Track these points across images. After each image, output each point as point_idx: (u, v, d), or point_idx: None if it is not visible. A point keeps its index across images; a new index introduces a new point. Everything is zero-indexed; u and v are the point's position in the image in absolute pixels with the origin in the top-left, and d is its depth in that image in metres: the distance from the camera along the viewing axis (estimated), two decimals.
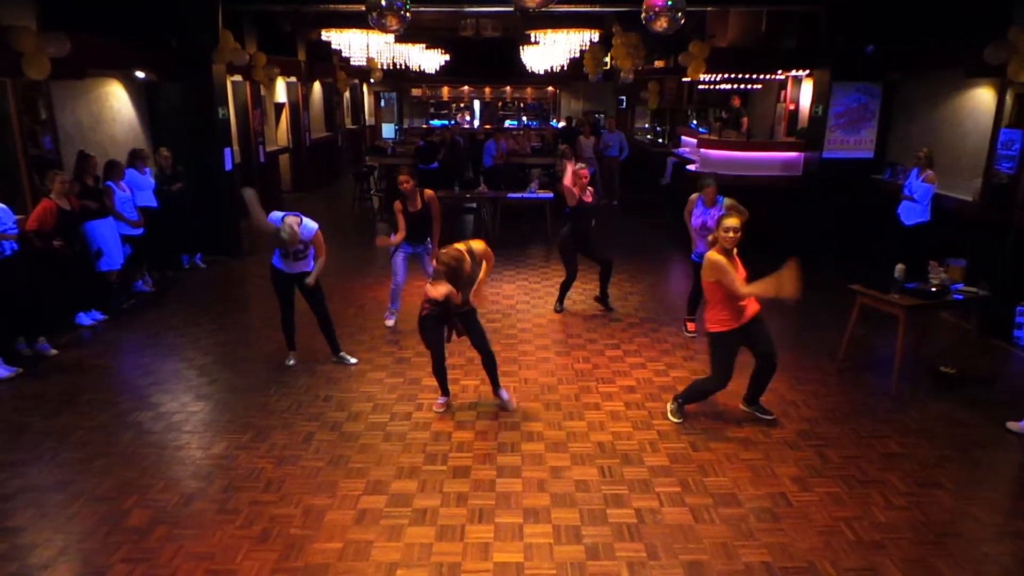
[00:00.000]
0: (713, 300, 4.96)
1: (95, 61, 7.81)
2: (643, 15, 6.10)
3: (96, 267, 7.37)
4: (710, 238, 5.05)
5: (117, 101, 8.94)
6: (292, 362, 6.22)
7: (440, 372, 5.32)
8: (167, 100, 9.60)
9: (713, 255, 4.83)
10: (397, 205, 6.79)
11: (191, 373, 6.10)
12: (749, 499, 4.23)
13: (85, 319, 7.22)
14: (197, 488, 4.35)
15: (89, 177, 7.52)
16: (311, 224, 5.84)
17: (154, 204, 8.53)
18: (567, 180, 7.24)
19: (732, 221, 4.78)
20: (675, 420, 5.17)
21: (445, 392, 5.41)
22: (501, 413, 5.31)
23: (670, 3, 6.08)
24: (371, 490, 4.34)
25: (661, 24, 6.22)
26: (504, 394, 5.39)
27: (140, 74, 8.94)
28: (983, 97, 7.89)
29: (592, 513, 4.10)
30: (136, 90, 9.31)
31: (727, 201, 5.93)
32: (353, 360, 6.25)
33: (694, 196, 6.67)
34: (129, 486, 4.37)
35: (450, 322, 5.21)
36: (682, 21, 6.21)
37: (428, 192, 6.80)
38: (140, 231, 8.03)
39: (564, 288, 7.75)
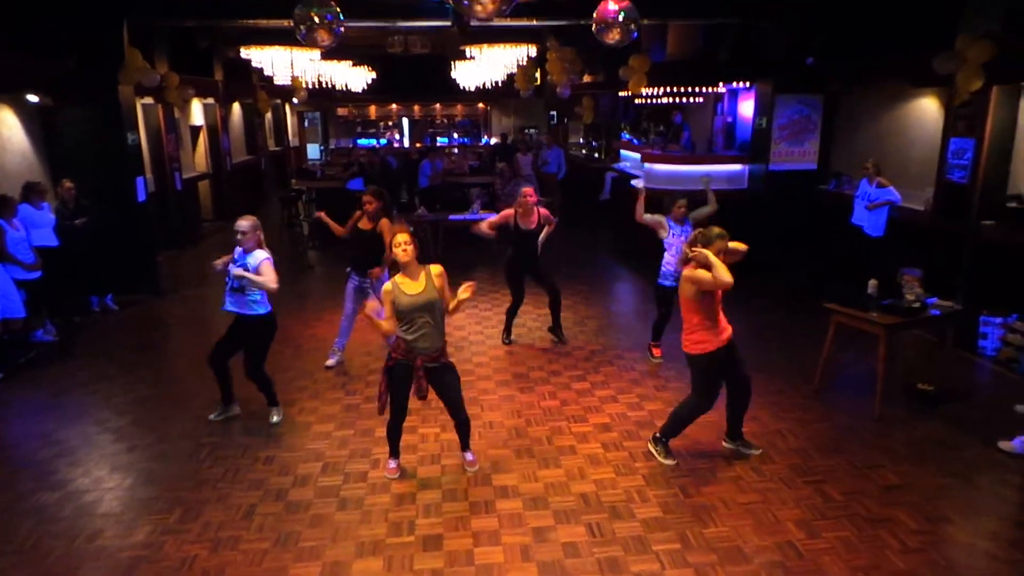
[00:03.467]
0: (691, 323, 4.60)
1: None
2: (594, 27, 5.73)
3: None
4: (686, 253, 4.64)
5: (7, 128, 7.97)
6: (215, 416, 5.52)
7: (395, 432, 4.64)
8: (68, 126, 8.63)
9: (688, 271, 4.52)
10: (384, 223, 6.16)
11: (104, 439, 5.29)
12: (756, 552, 3.83)
13: None
14: None
15: None
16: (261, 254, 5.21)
17: (54, 243, 7.59)
18: (484, 226, 6.94)
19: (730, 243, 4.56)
20: (667, 462, 4.74)
21: (395, 454, 4.73)
22: (468, 467, 4.76)
23: (623, 15, 5.75)
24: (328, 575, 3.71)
25: (613, 36, 5.86)
26: (470, 456, 4.77)
27: (33, 98, 7.99)
28: (929, 107, 7.91)
29: None
30: (28, 116, 8.33)
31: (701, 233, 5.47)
32: (275, 419, 5.50)
33: (661, 217, 6.35)
34: None
35: (417, 374, 4.40)
36: (635, 34, 5.90)
37: (383, 222, 6.19)
38: (37, 274, 7.09)
39: (510, 315, 7.24)
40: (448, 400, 4.55)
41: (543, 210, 6.93)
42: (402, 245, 4.29)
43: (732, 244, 4.59)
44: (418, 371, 4.36)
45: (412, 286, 4.33)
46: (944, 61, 6.67)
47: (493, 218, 7.00)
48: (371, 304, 4.46)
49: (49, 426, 5.51)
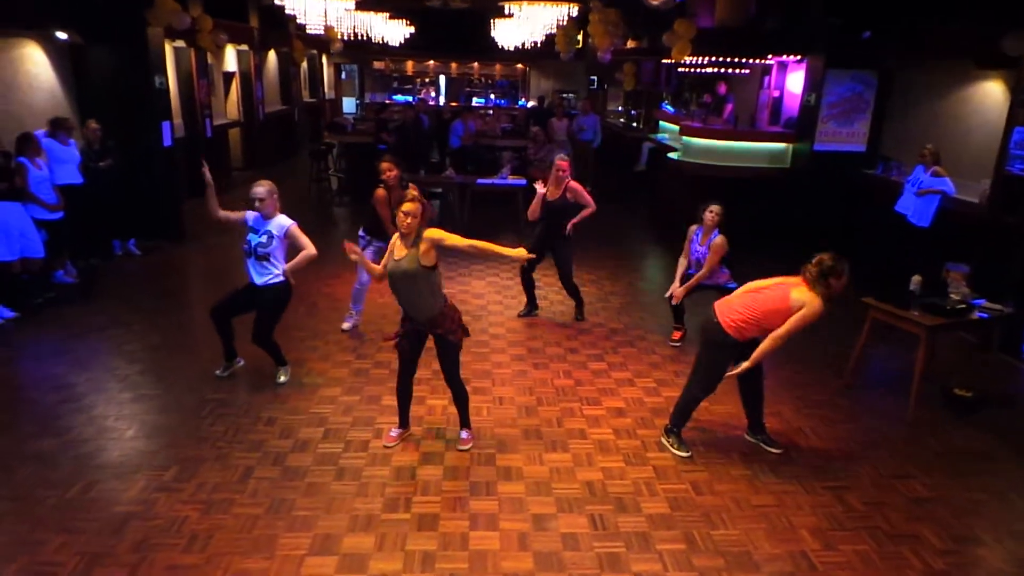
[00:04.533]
0: (753, 314, 4.25)
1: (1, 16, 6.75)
2: None
3: None
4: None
5: (34, 66, 7.86)
6: (220, 372, 5.44)
7: (401, 391, 4.52)
8: (96, 66, 8.52)
9: (816, 299, 4.12)
10: (380, 195, 5.81)
11: (112, 387, 5.24)
12: (766, 560, 3.61)
13: None
14: (102, 548, 3.54)
15: None
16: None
17: (79, 180, 7.53)
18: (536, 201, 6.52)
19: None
20: (683, 454, 4.52)
21: (403, 422, 4.61)
22: (474, 444, 4.59)
23: None
24: (318, 548, 3.59)
25: None
26: (464, 434, 4.59)
27: (62, 35, 7.85)
28: (992, 90, 7.37)
29: None
30: (58, 53, 8.22)
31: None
32: (282, 379, 5.39)
33: (693, 228, 5.99)
34: (17, 544, 3.54)
35: (397, 331, 4.41)
36: None
37: (380, 193, 5.86)
38: (59, 215, 7.04)
39: (527, 283, 6.84)
40: (443, 369, 4.43)
41: (575, 184, 6.57)
42: (408, 217, 4.07)
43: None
44: (401, 330, 4.36)
45: (400, 250, 4.17)
46: (1015, 40, 6.16)
47: (533, 205, 6.57)
48: (351, 245, 4.27)
49: (59, 370, 5.48)
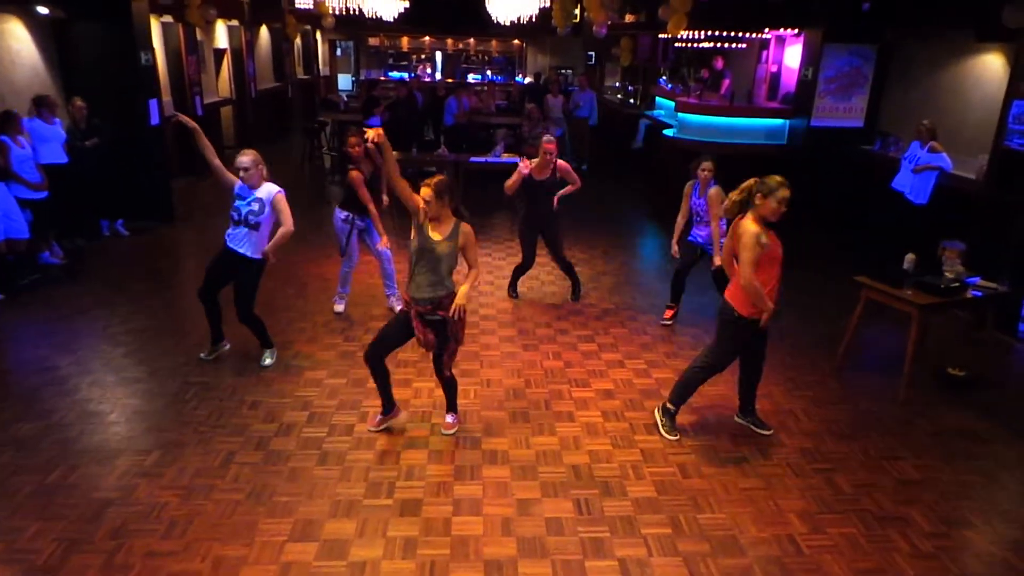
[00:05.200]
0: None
1: None
2: None
3: None
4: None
5: (17, 41, 7.69)
6: (205, 356, 5.37)
7: (379, 376, 4.31)
8: (80, 42, 8.34)
9: (750, 223, 4.04)
10: (355, 176, 5.74)
11: (96, 370, 5.17)
12: (752, 544, 3.57)
13: None
14: (80, 534, 3.49)
15: None
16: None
17: (64, 160, 7.41)
18: (514, 177, 6.38)
19: (787, 192, 4.01)
20: (670, 437, 4.47)
21: (386, 408, 4.45)
22: (460, 427, 4.53)
23: None
24: (299, 535, 3.55)
25: None
26: (450, 418, 4.49)
27: (43, 9, 7.68)
28: (992, 64, 7.22)
29: (567, 566, 3.38)
30: (41, 29, 8.04)
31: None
32: (268, 361, 5.32)
33: (690, 184, 5.94)
34: None
35: (415, 324, 4.13)
36: None
37: (355, 174, 5.74)
38: (43, 194, 6.93)
39: (517, 272, 6.89)
40: (434, 356, 4.29)
41: (562, 163, 6.47)
42: (425, 203, 3.95)
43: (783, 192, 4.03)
44: (415, 321, 4.11)
45: (435, 234, 4.05)
46: (1014, 12, 6.01)
47: (511, 179, 6.41)
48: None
49: (42, 352, 5.41)
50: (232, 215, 4.98)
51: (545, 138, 6.45)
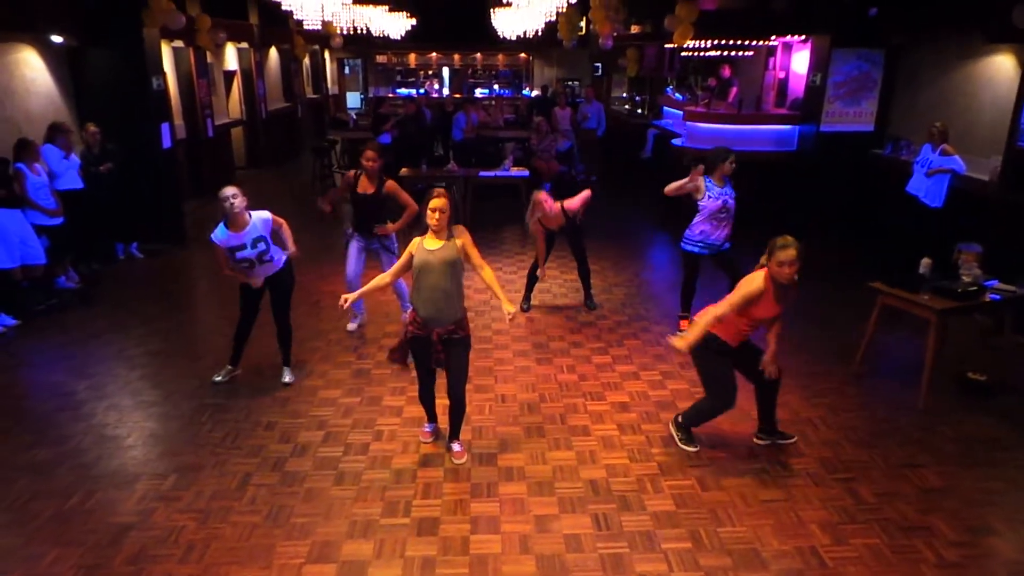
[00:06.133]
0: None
1: None
2: None
3: None
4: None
5: (31, 70, 7.81)
6: (220, 378, 5.39)
7: (425, 398, 4.48)
8: (94, 69, 8.46)
9: (759, 278, 4.03)
10: (349, 175, 5.96)
11: (112, 394, 5.20)
12: (774, 557, 3.52)
13: None
14: (98, 559, 3.50)
15: None
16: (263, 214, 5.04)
17: (79, 185, 7.50)
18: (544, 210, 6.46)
19: (790, 252, 3.92)
20: (688, 448, 4.43)
21: (431, 418, 4.58)
22: (475, 443, 4.52)
23: None
24: (316, 556, 3.54)
25: None
26: (456, 447, 4.39)
27: (56, 38, 7.80)
28: (1003, 65, 7.15)
29: None
30: (55, 57, 8.17)
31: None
32: (288, 379, 5.36)
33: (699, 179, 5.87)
34: (10, 557, 3.51)
35: (436, 348, 4.11)
36: None
37: (389, 183, 5.87)
38: (59, 220, 7.01)
39: (532, 278, 6.87)
40: (449, 373, 4.20)
41: (570, 204, 6.50)
42: (436, 212, 3.98)
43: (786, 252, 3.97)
44: (436, 344, 4.08)
45: (433, 243, 4.07)
46: None
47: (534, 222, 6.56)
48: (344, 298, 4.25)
49: (59, 377, 5.46)
50: (243, 265, 4.98)
51: (536, 197, 6.49)
